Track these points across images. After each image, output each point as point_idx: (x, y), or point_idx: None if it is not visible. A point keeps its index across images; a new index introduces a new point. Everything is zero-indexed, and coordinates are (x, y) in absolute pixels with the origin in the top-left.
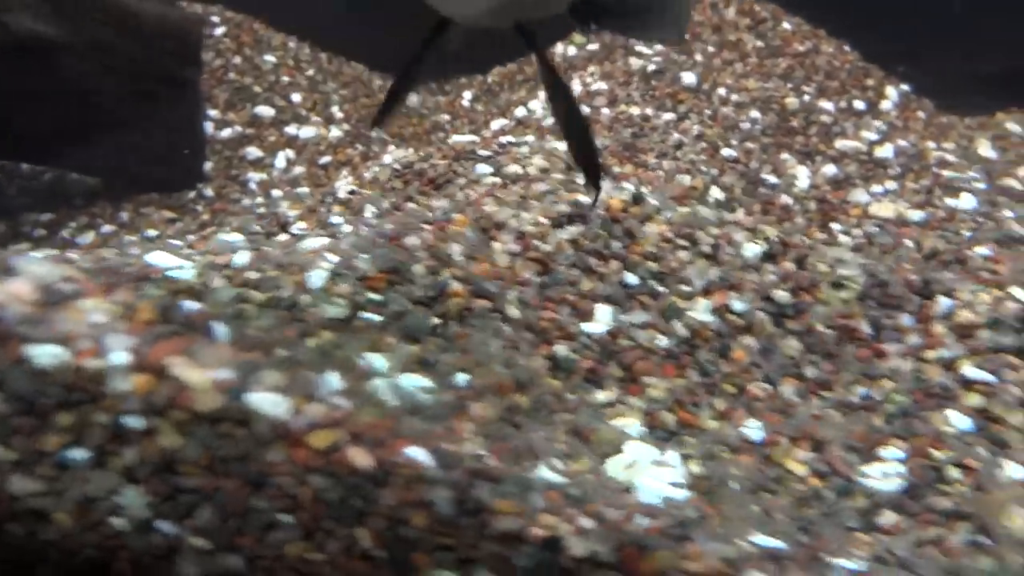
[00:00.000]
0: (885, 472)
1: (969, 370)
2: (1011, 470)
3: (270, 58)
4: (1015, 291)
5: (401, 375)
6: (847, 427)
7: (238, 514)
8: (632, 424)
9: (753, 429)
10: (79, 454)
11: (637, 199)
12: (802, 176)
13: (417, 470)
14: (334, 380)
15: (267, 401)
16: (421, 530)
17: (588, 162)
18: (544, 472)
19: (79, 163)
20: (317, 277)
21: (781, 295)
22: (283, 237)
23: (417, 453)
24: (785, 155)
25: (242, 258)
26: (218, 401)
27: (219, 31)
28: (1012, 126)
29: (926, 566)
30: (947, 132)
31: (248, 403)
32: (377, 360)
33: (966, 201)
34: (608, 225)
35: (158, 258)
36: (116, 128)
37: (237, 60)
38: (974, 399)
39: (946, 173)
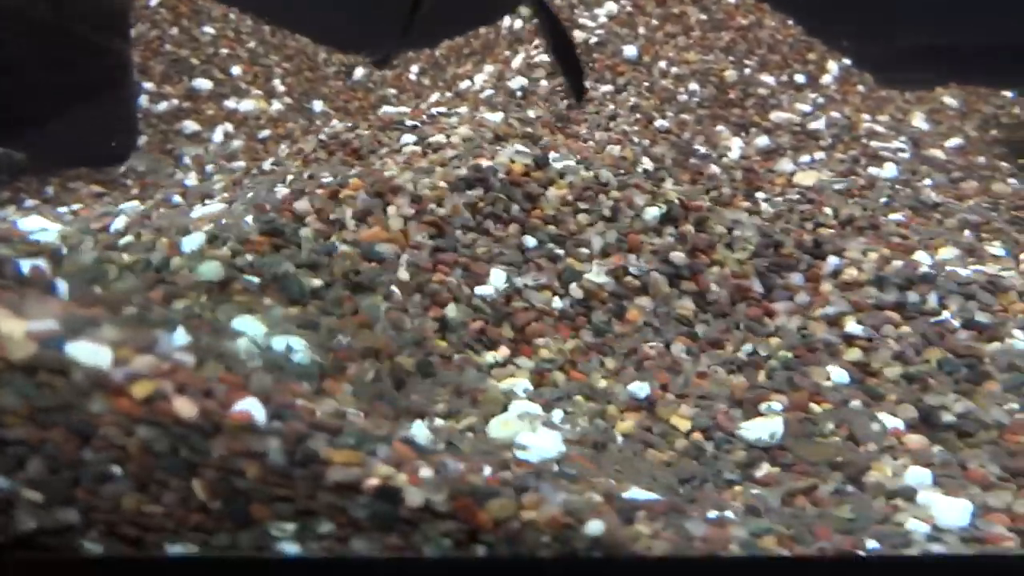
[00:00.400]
0: (764, 426)
1: (852, 326)
2: (884, 422)
3: (209, 30)
4: (919, 255)
5: (275, 336)
6: (732, 383)
7: (69, 466)
8: (521, 383)
9: (642, 387)
10: None
11: (540, 163)
12: (734, 147)
13: (245, 421)
14: (180, 337)
15: (85, 351)
16: (255, 481)
17: (572, 70)
18: (415, 430)
19: (3, 137)
20: (192, 241)
21: (678, 256)
22: (183, 205)
23: (251, 405)
24: (720, 127)
25: (119, 223)
26: (31, 350)
27: (154, 1)
28: (949, 100)
29: (795, 516)
30: (884, 105)
31: (65, 353)
32: (248, 321)
33: (888, 170)
34: (509, 189)
35: (30, 223)
36: (41, 100)
37: (174, 31)
38: (853, 353)
39: (873, 143)
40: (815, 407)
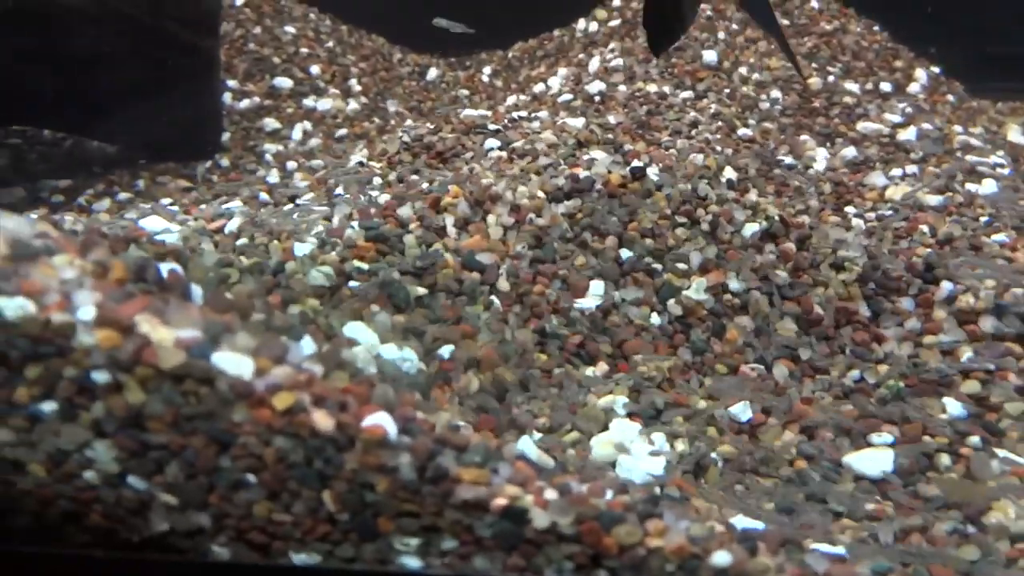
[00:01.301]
0: (874, 457)
1: (968, 356)
2: (1002, 459)
3: (290, 29)
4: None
5: (383, 344)
6: (839, 410)
7: (205, 472)
8: (620, 400)
9: (744, 410)
10: (48, 406)
11: (637, 174)
12: (820, 158)
13: (379, 435)
14: (307, 345)
15: (231, 361)
16: (384, 495)
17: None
18: (524, 445)
19: (97, 130)
20: (305, 246)
21: (779, 275)
22: (288, 207)
23: (382, 419)
24: (804, 136)
25: (234, 224)
26: (181, 358)
27: (240, 1)
28: None
29: (909, 553)
30: (976, 116)
31: (212, 362)
32: (359, 328)
33: (987, 186)
34: (607, 200)
35: (150, 222)
36: (133, 97)
37: (257, 31)
38: (971, 384)
39: (970, 158)
40: (929, 440)
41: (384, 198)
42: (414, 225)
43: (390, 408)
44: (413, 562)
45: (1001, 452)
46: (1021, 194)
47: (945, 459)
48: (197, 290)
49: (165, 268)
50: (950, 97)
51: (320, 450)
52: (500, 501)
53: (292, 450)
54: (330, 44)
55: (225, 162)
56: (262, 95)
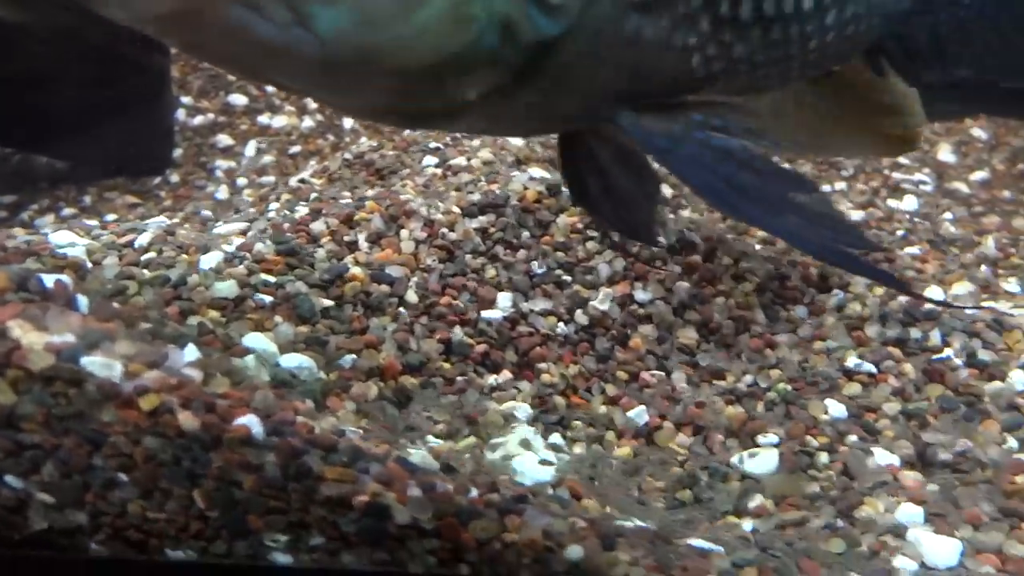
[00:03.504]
0: (759, 457)
1: (852, 359)
2: (879, 458)
3: None
4: (932, 290)
5: (283, 354)
6: (730, 414)
7: (79, 471)
8: (521, 407)
9: (641, 414)
10: None
11: (553, 191)
12: None
13: (243, 435)
14: (191, 353)
15: (99, 364)
16: (251, 493)
17: None
18: (416, 449)
19: (45, 147)
20: (210, 259)
21: (683, 286)
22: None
23: (249, 420)
24: None
25: (144, 239)
26: (50, 361)
27: None
28: (978, 132)
29: (782, 547)
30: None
31: (81, 365)
32: (257, 339)
33: (908, 202)
34: (520, 215)
35: (59, 237)
36: (83, 114)
37: None
38: (853, 387)
39: (896, 175)
40: (811, 440)
41: (302, 210)
42: (326, 239)
43: (268, 412)
44: (284, 558)
45: (877, 450)
46: (940, 210)
47: (824, 457)
48: (83, 300)
49: (52, 279)
50: None
51: (188, 449)
52: (362, 498)
53: (161, 449)
54: None
55: (175, 178)
56: (216, 111)
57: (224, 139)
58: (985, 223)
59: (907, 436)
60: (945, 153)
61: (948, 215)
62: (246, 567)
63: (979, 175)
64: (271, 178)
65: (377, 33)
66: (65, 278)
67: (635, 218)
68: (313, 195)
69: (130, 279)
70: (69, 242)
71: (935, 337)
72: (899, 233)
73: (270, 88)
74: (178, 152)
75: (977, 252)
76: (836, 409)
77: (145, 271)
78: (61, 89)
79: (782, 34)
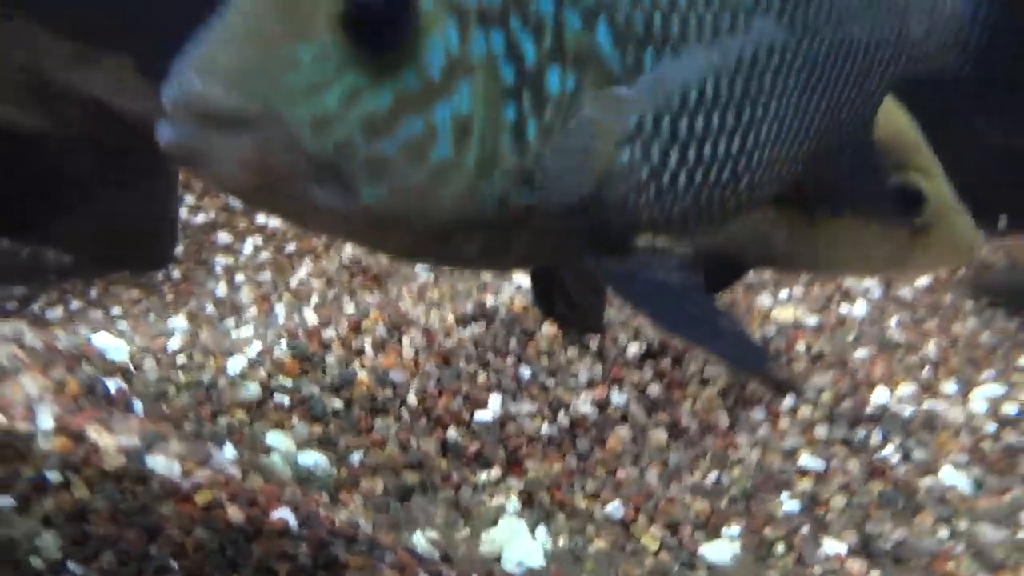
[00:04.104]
0: (723, 547)
1: (804, 458)
2: (828, 547)
3: None
4: (879, 391)
5: (300, 451)
6: (697, 508)
7: (136, 559)
8: (511, 501)
9: (617, 509)
10: (5, 501)
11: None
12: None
13: (282, 527)
14: (229, 451)
15: (162, 464)
16: None
17: None
18: (416, 539)
19: (55, 241)
20: (236, 364)
21: (655, 390)
22: (231, 321)
23: (286, 514)
24: None
25: (175, 343)
26: (121, 461)
27: None
28: None
29: None
30: None
31: (148, 464)
32: (278, 437)
33: (859, 308)
34: (509, 324)
35: (100, 339)
36: (93, 211)
37: None
38: (804, 483)
39: (848, 282)
40: (768, 532)
41: (313, 319)
42: (335, 345)
43: (295, 506)
44: None
45: (826, 540)
46: (886, 315)
47: (780, 547)
48: (138, 404)
49: (112, 384)
50: None
51: (233, 540)
52: None
53: (209, 540)
54: None
55: (177, 274)
56: (217, 211)
57: (224, 237)
58: (927, 328)
59: (852, 527)
60: None
61: (894, 320)
62: None
63: (923, 281)
64: (268, 275)
65: (408, 204)
66: (122, 384)
67: (589, 315)
68: (314, 297)
69: (169, 382)
70: (113, 346)
71: (876, 436)
72: (850, 338)
73: None
74: (180, 248)
75: (919, 355)
76: (790, 504)
77: (180, 374)
78: (74, 188)
79: (712, 192)
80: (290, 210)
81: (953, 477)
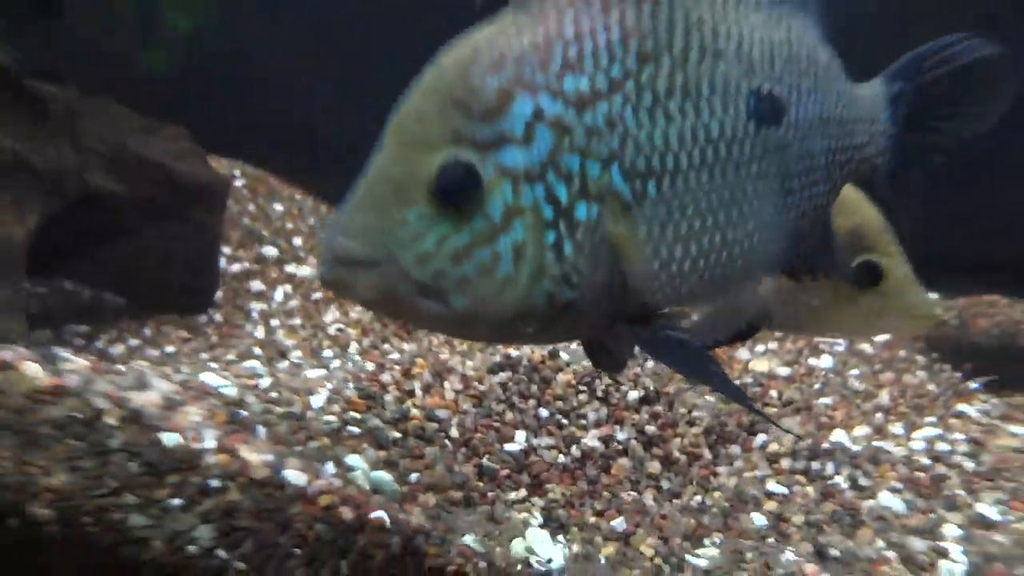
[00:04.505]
0: (705, 555)
1: (772, 484)
2: (789, 555)
3: (279, 207)
4: (838, 432)
5: (372, 471)
6: (685, 524)
7: (268, 547)
8: (535, 516)
9: (621, 523)
10: (177, 502)
11: (552, 354)
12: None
13: (382, 525)
14: (330, 467)
15: (292, 475)
16: (379, 564)
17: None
18: (467, 539)
19: (113, 285)
20: (318, 399)
21: (651, 429)
22: (284, 363)
23: (382, 515)
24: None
25: (265, 382)
26: (267, 472)
27: (239, 183)
28: None
29: None
30: None
31: (284, 476)
32: (355, 459)
33: (825, 361)
34: (530, 373)
35: (209, 378)
36: (147, 259)
37: (251, 207)
38: (771, 504)
39: (817, 339)
40: (742, 543)
41: (370, 366)
42: (392, 387)
43: (385, 509)
44: None
45: (788, 549)
46: (848, 367)
47: (751, 554)
48: (261, 429)
49: (242, 413)
50: None
51: (344, 533)
52: (451, 568)
53: (325, 532)
54: (311, 220)
55: (218, 317)
56: (251, 261)
57: (257, 284)
58: (882, 379)
59: (809, 539)
60: None
61: (855, 371)
62: None
63: (882, 337)
64: (298, 320)
65: (485, 308)
66: (245, 413)
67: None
68: (353, 343)
69: (270, 413)
70: (222, 384)
71: (830, 468)
72: (816, 386)
73: (297, 242)
74: (219, 294)
75: (874, 402)
76: (759, 520)
77: (277, 407)
78: (134, 240)
79: (710, 275)
80: (404, 316)
81: (889, 500)
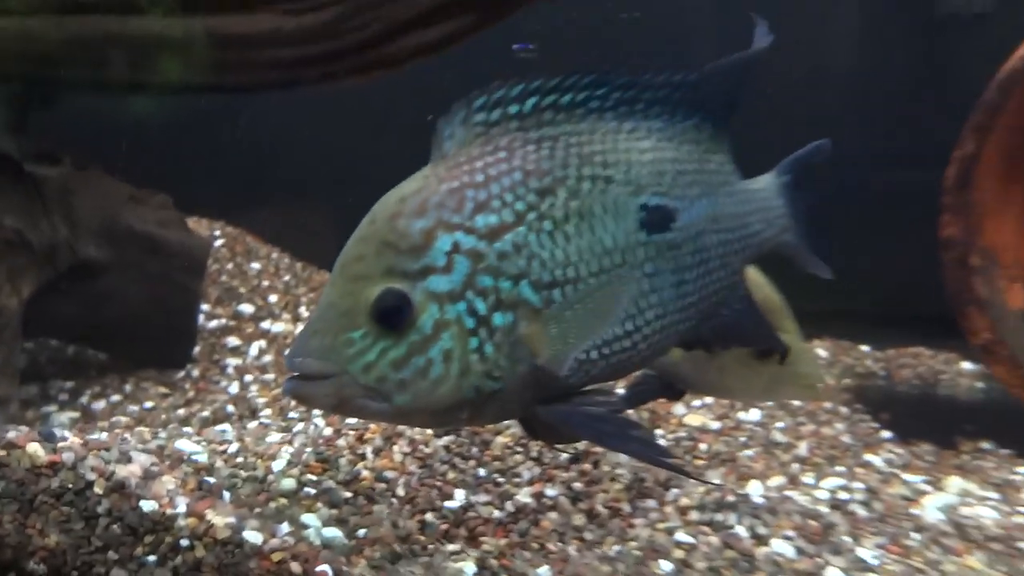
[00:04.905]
0: None
1: (680, 534)
2: None
3: (256, 265)
4: (754, 483)
5: (324, 528)
6: (604, 571)
7: None
8: (470, 566)
9: (546, 571)
10: (152, 558)
11: None
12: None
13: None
14: (284, 527)
15: (250, 535)
16: None
17: None
18: None
19: (100, 343)
20: (279, 463)
21: (578, 486)
22: (253, 423)
23: (327, 568)
24: None
25: (233, 448)
26: (228, 533)
27: (219, 243)
28: (820, 351)
29: None
30: None
31: (244, 536)
32: (310, 517)
33: (752, 415)
34: (471, 436)
35: (182, 444)
36: (130, 318)
37: (229, 266)
38: (679, 553)
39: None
40: None
41: (328, 431)
42: (346, 451)
43: (330, 563)
44: None
45: None
46: (774, 420)
47: None
48: (226, 494)
49: (209, 479)
50: None
51: None
52: None
53: None
54: (287, 278)
55: (196, 372)
56: (228, 317)
57: (233, 340)
58: (803, 431)
59: None
60: None
61: (779, 424)
62: None
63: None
64: (271, 375)
65: (423, 403)
66: (212, 479)
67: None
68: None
69: (236, 478)
70: (194, 450)
71: (732, 519)
72: (741, 439)
73: (273, 299)
74: (196, 349)
75: (793, 453)
76: (667, 566)
77: (242, 472)
78: (120, 302)
79: (619, 359)
80: (356, 414)
81: (782, 547)
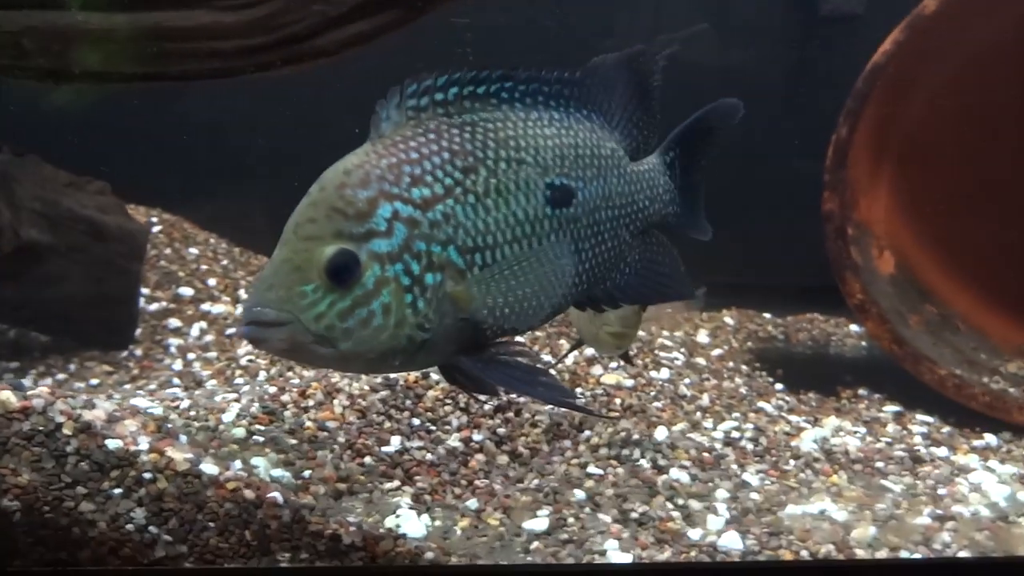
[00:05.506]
0: (538, 522)
1: (591, 468)
2: (601, 517)
3: (193, 250)
4: (661, 429)
5: (273, 468)
6: (521, 500)
7: (190, 523)
8: (406, 500)
9: (473, 503)
10: (118, 491)
11: (424, 375)
12: (570, 357)
13: (276, 503)
14: (238, 464)
15: (208, 467)
16: (274, 531)
17: None
18: (349, 518)
19: (43, 326)
20: (229, 415)
21: (503, 431)
22: (200, 391)
23: (276, 496)
24: (562, 340)
25: (185, 404)
26: (187, 466)
27: (156, 228)
28: (728, 319)
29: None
30: (682, 324)
31: (201, 468)
32: (259, 460)
33: (663, 373)
34: (405, 391)
35: (139, 402)
36: (73, 301)
37: (168, 251)
38: (590, 483)
39: (660, 353)
40: (565, 512)
41: (272, 389)
42: (291, 405)
43: (281, 493)
44: (286, 565)
45: (600, 513)
46: (681, 377)
47: (572, 519)
48: (183, 436)
49: (167, 425)
50: (668, 309)
51: (246, 509)
52: (328, 531)
53: (233, 509)
54: (225, 262)
55: (139, 352)
56: (168, 300)
57: (175, 322)
58: (707, 385)
59: (616, 507)
60: (702, 336)
61: (686, 380)
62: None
63: (717, 351)
64: (213, 353)
65: (363, 348)
66: (170, 425)
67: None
68: (261, 372)
69: (190, 427)
70: (149, 406)
71: (636, 454)
72: (652, 394)
73: (212, 282)
74: (138, 331)
75: (696, 404)
76: (579, 495)
77: (195, 423)
78: (63, 285)
79: (528, 313)
80: (305, 359)
81: (679, 474)
